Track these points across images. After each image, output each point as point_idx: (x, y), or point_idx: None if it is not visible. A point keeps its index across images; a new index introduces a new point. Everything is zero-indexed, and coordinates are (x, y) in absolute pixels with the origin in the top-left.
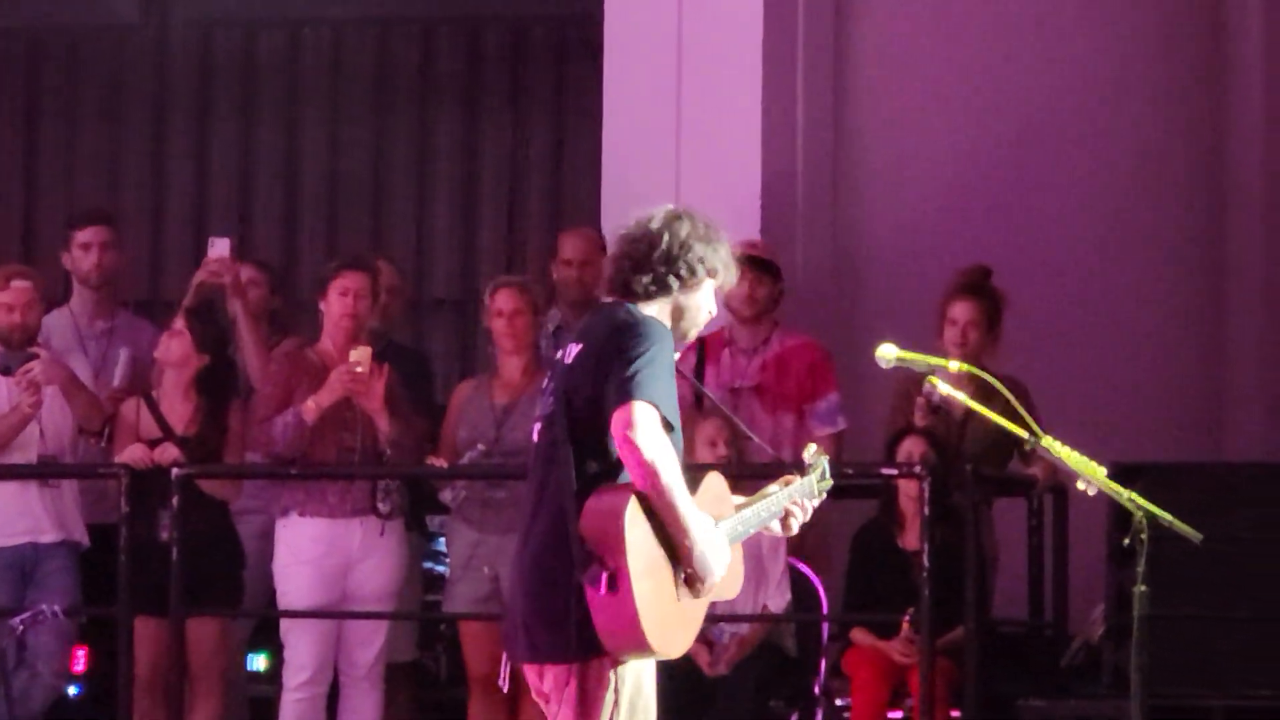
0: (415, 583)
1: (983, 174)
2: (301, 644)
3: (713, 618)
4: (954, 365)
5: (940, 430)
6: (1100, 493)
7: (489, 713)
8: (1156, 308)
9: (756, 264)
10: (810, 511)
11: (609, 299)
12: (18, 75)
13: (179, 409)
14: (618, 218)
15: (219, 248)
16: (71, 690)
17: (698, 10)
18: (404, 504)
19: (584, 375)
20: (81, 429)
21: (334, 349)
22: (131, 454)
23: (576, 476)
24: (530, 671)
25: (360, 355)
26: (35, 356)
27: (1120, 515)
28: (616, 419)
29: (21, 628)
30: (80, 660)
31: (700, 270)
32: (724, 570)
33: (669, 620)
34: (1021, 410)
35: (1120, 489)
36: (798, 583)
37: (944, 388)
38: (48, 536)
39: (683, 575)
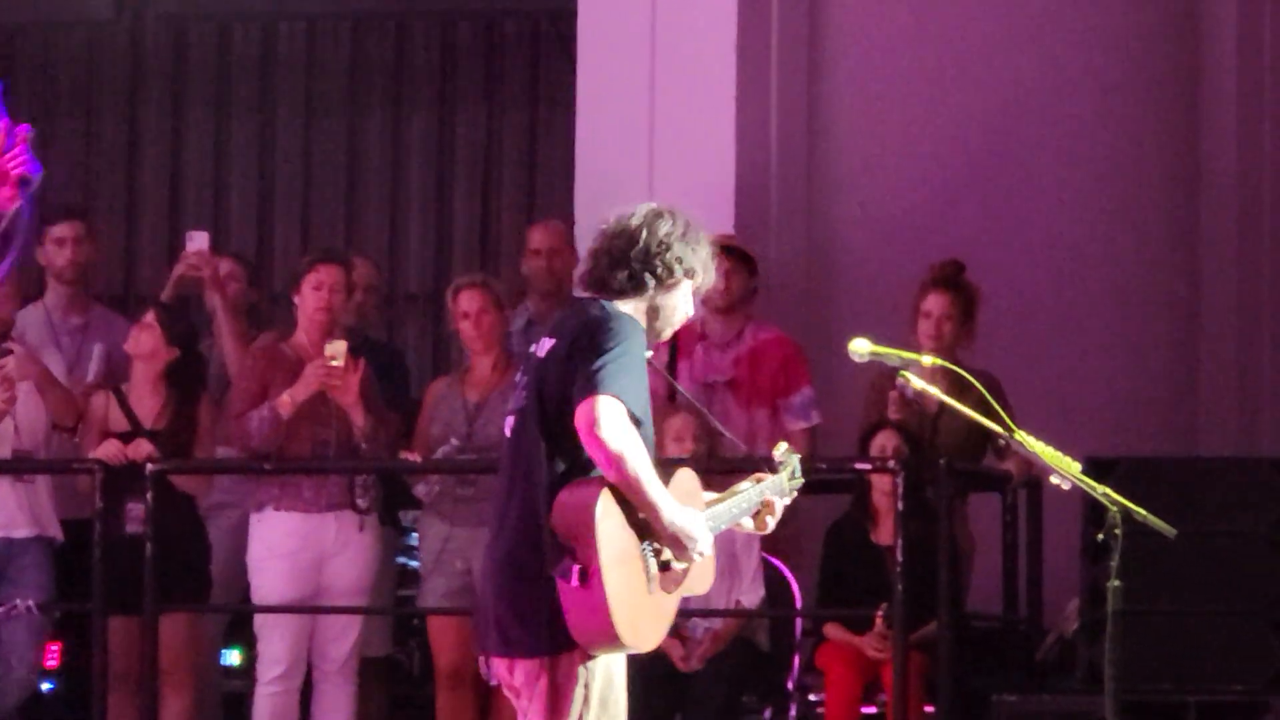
0: (389, 578)
1: (957, 169)
2: (275, 639)
3: (686, 613)
4: (927, 360)
5: (914, 425)
6: (1074, 487)
7: (458, 707)
8: (1130, 302)
9: (732, 254)
10: (781, 509)
11: (584, 294)
12: None
13: (147, 402)
14: (592, 212)
15: (197, 241)
16: (45, 686)
17: (671, 4)
18: (380, 499)
19: (556, 370)
20: (55, 424)
21: (308, 343)
22: (105, 449)
23: (548, 470)
24: (501, 666)
25: (335, 349)
26: (9, 352)
27: (1094, 510)
28: (581, 413)
29: None
30: (54, 656)
31: (678, 270)
32: (706, 545)
33: (640, 614)
34: (995, 405)
35: (1094, 484)
36: (771, 578)
37: (917, 382)
38: (21, 532)
39: (660, 561)
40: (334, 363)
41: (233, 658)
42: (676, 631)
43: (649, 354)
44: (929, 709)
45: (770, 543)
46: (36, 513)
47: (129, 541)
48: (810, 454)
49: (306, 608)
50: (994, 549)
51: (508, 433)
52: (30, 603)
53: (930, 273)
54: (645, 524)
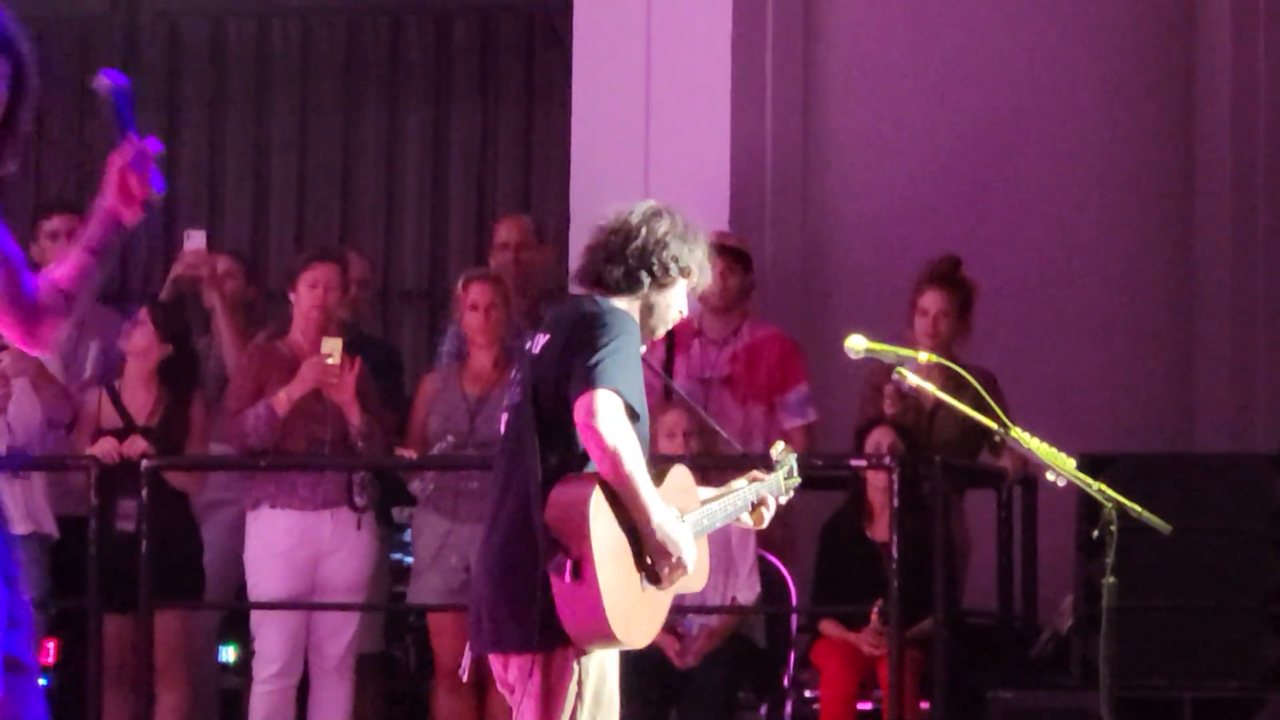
0: (383, 574)
1: (953, 166)
2: (272, 636)
3: (681, 609)
4: (923, 356)
5: (909, 421)
6: (1069, 484)
7: (456, 704)
8: (1126, 298)
9: (729, 253)
10: (775, 507)
11: (579, 290)
12: None
13: (140, 399)
14: (587, 209)
15: (195, 240)
16: (40, 683)
17: (667, 1)
18: (376, 497)
19: (550, 366)
20: (50, 421)
21: (304, 340)
22: (100, 446)
23: (542, 466)
24: (495, 662)
25: (331, 346)
26: (4, 348)
27: (1089, 506)
28: (579, 406)
29: None
30: (49, 653)
31: (674, 269)
32: (689, 557)
33: (634, 610)
34: (991, 401)
35: (1089, 480)
36: (767, 575)
37: (913, 379)
38: (17, 529)
39: (646, 564)
40: (330, 360)
41: (228, 655)
42: (672, 628)
43: (643, 349)
44: (924, 705)
45: (766, 539)
46: (32, 509)
47: (123, 538)
48: (807, 451)
49: (303, 604)
50: (989, 545)
51: (503, 429)
52: (26, 599)
53: (927, 269)
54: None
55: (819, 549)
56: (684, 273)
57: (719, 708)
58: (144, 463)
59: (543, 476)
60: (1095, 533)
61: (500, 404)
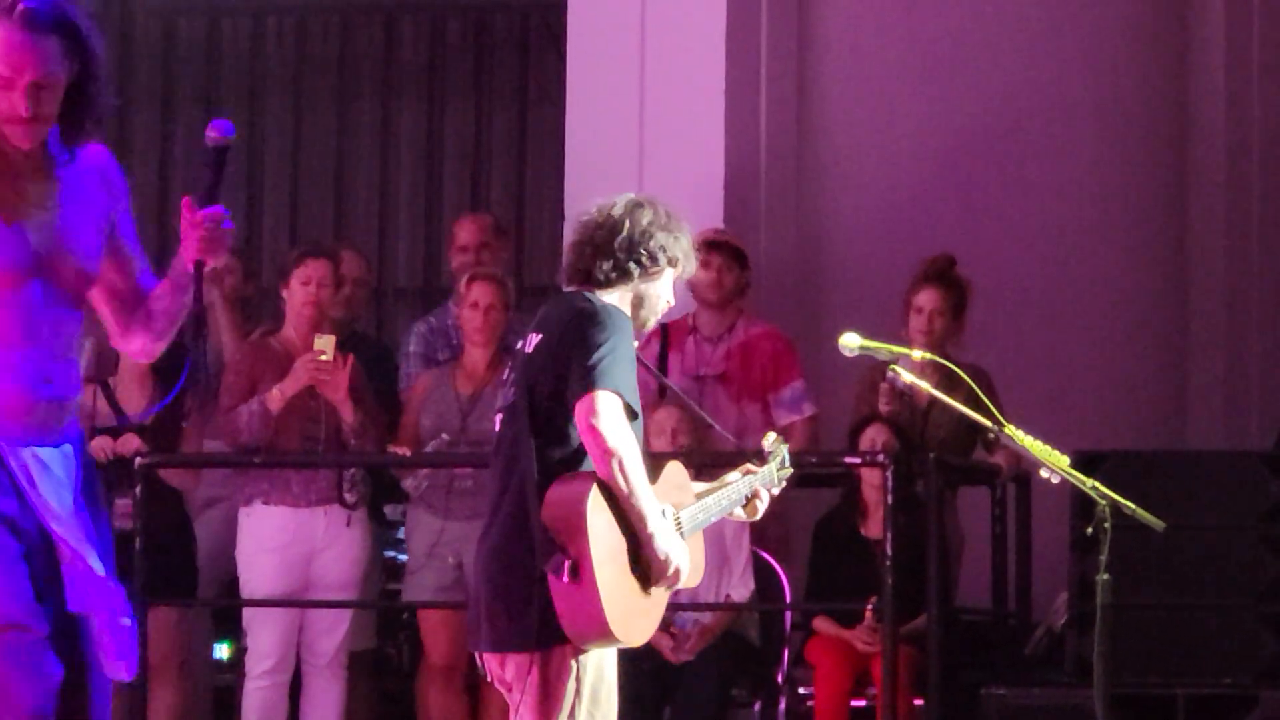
0: (375, 572)
1: (947, 163)
2: (264, 633)
3: (676, 607)
4: (917, 354)
5: (904, 419)
6: (1063, 481)
7: (448, 701)
8: (1119, 297)
9: (724, 249)
10: (768, 499)
11: (569, 288)
12: None
13: (135, 396)
14: (581, 206)
15: None
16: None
17: None
18: (367, 495)
19: (545, 364)
20: None
21: (297, 338)
22: (95, 444)
23: (538, 466)
24: (492, 661)
25: (324, 343)
26: None
27: (1083, 504)
28: (581, 407)
29: None
30: None
31: (661, 258)
32: (685, 564)
33: (631, 608)
34: (985, 399)
35: (1083, 477)
36: (761, 572)
37: (907, 376)
38: None
39: (640, 566)
40: (323, 357)
41: (222, 652)
42: (666, 624)
43: (635, 344)
44: (918, 702)
45: (761, 537)
46: None
47: (117, 536)
48: (809, 445)
49: (296, 601)
50: (983, 543)
51: (497, 429)
52: None
53: (922, 267)
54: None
55: (813, 546)
56: (670, 262)
57: (713, 705)
58: (138, 460)
59: (539, 476)
60: (1089, 530)
61: (492, 402)
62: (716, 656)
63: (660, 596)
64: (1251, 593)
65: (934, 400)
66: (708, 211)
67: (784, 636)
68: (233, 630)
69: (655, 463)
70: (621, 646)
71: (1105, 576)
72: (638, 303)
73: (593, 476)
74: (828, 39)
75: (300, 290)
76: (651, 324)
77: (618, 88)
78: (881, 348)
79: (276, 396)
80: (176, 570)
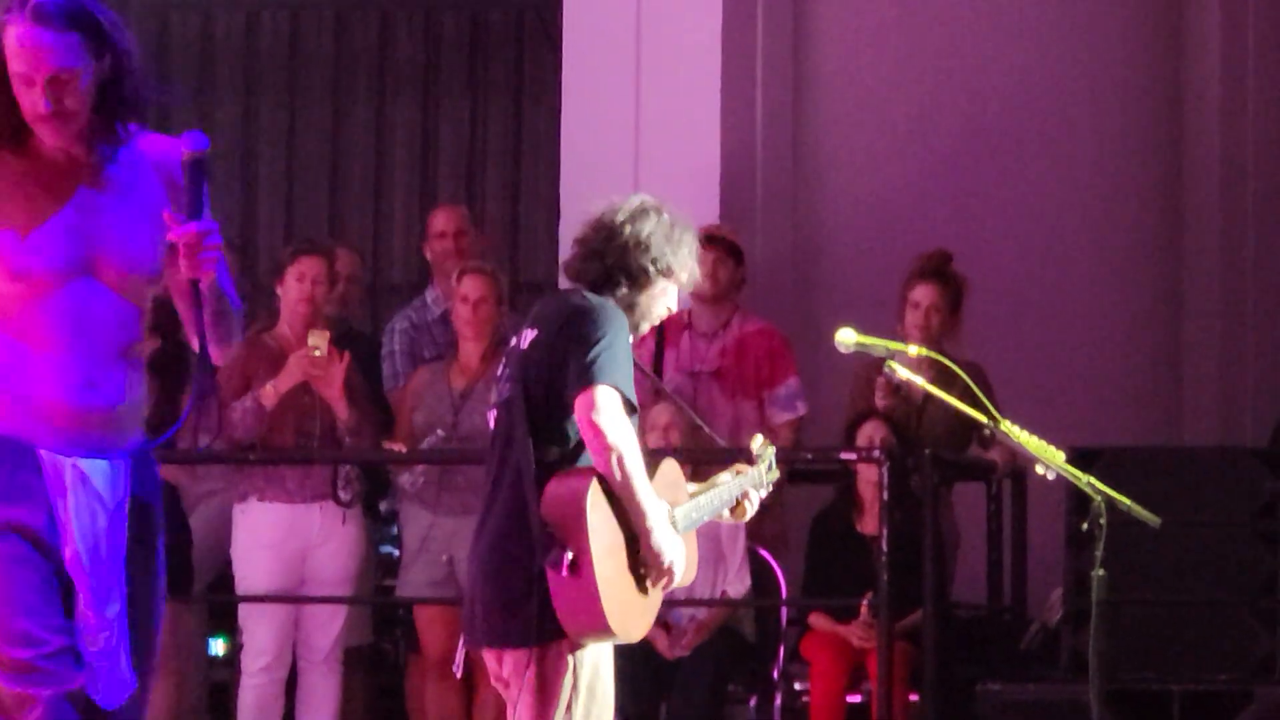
0: (370, 567)
1: (942, 160)
2: (260, 628)
3: (672, 603)
4: (913, 350)
5: (900, 415)
6: (1059, 477)
7: (445, 696)
8: (1115, 293)
9: (720, 244)
10: (758, 501)
11: (567, 284)
12: None
13: None
14: (577, 203)
15: None
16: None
17: None
18: (362, 492)
19: (541, 361)
20: None
21: (291, 334)
22: None
23: (535, 461)
24: (489, 657)
25: (318, 340)
26: None
27: (1079, 499)
28: (580, 403)
29: None
30: None
31: (653, 270)
32: (681, 561)
33: (629, 604)
34: (980, 395)
35: (1079, 473)
36: (757, 568)
37: (903, 372)
38: None
39: (638, 562)
40: (316, 353)
41: (217, 647)
42: (662, 620)
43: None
44: (914, 698)
45: (756, 533)
46: None
47: None
48: (795, 445)
49: (292, 598)
50: (979, 538)
51: (491, 425)
52: None
53: (918, 263)
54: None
55: (809, 542)
56: (665, 274)
57: (709, 700)
58: None
59: (537, 471)
60: (1084, 526)
61: (484, 397)
62: (712, 652)
63: (657, 593)
64: (1246, 589)
65: (930, 396)
66: (703, 208)
67: (780, 632)
68: (228, 626)
69: (650, 460)
70: (619, 642)
71: (1101, 572)
72: (629, 309)
73: (592, 472)
74: (823, 36)
75: (295, 286)
76: (645, 328)
77: (613, 85)
78: (877, 344)
79: (271, 393)
80: (172, 566)
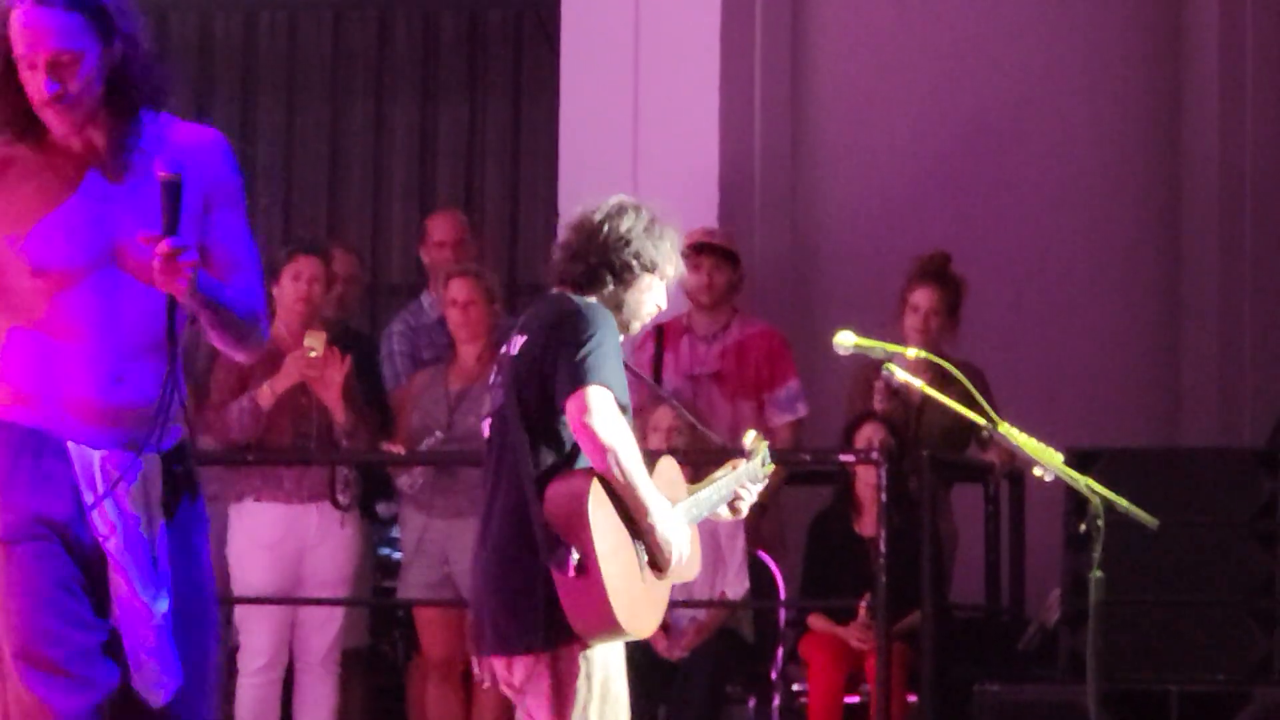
0: (367, 569)
1: (941, 161)
2: (257, 630)
3: (671, 604)
4: (911, 352)
5: (898, 417)
6: (1057, 478)
7: (445, 697)
8: (1113, 294)
9: (716, 250)
10: (755, 495)
11: (554, 289)
12: None
13: None
14: (575, 204)
15: None
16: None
17: None
18: (359, 495)
19: (532, 366)
20: None
21: (288, 334)
22: None
23: (535, 465)
24: (499, 665)
25: (315, 340)
26: None
27: (1077, 501)
28: (572, 405)
29: None
30: None
31: (637, 265)
32: (687, 549)
33: (637, 600)
34: (979, 396)
35: (1076, 475)
36: (755, 569)
37: (901, 374)
38: None
39: (646, 556)
40: (313, 354)
41: None
42: (661, 622)
43: (621, 339)
44: (912, 699)
45: (755, 534)
46: None
47: None
48: (795, 446)
49: (289, 599)
50: (977, 540)
51: (486, 434)
52: None
53: (918, 265)
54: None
55: (807, 544)
56: (648, 268)
57: (707, 701)
58: None
59: (537, 475)
60: (1082, 527)
61: (480, 398)
62: (711, 653)
63: (664, 587)
64: (1244, 589)
65: (928, 398)
66: (702, 209)
67: (778, 633)
68: (225, 626)
69: (648, 459)
70: (629, 639)
71: (1098, 573)
72: (617, 307)
73: (591, 472)
74: (822, 36)
75: (291, 287)
76: (636, 327)
77: (612, 85)
78: (876, 346)
79: (267, 393)
80: None
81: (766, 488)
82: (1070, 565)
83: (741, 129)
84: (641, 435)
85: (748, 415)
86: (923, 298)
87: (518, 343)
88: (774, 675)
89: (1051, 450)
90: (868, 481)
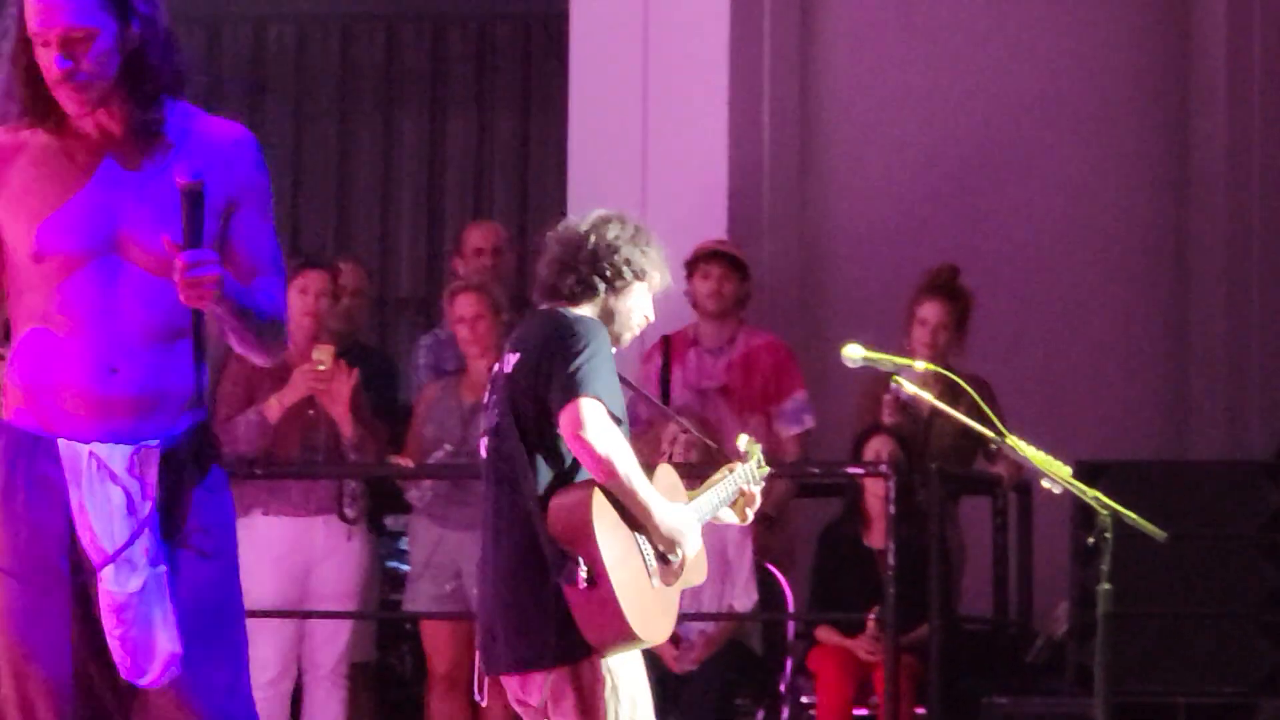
0: (375, 582)
1: (949, 173)
2: (264, 643)
3: (679, 616)
4: (919, 365)
5: (907, 429)
6: (1065, 491)
7: (451, 711)
8: (1121, 307)
9: (725, 260)
10: (758, 498)
11: (542, 305)
12: None
13: None
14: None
15: None
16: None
17: (664, 7)
18: (367, 509)
19: (526, 383)
20: None
21: (294, 348)
22: None
23: (536, 481)
24: (511, 682)
25: (322, 354)
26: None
27: (1084, 513)
28: (565, 419)
29: None
30: None
31: (627, 273)
32: (697, 541)
33: (649, 607)
34: (987, 409)
35: (1084, 487)
36: (764, 581)
37: (909, 387)
38: None
39: (655, 556)
40: (320, 367)
41: None
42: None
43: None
44: (920, 711)
45: (763, 546)
46: None
47: None
48: (804, 459)
49: (298, 612)
50: (985, 552)
51: (484, 453)
52: None
53: (926, 279)
54: (638, 520)
55: (816, 556)
56: (638, 275)
57: (715, 714)
58: None
59: (539, 491)
60: (1090, 539)
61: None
62: (720, 666)
63: (674, 593)
64: (1251, 601)
65: (936, 411)
66: (711, 221)
67: (786, 646)
68: None
69: (645, 468)
70: (644, 646)
71: (1106, 586)
72: (608, 318)
73: (591, 484)
74: (830, 49)
75: (298, 300)
76: (627, 339)
77: (620, 97)
78: (884, 359)
79: (275, 406)
80: None
81: (774, 500)
82: (1078, 577)
83: (750, 142)
84: (652, 449)
85: (755, 428)
86: (931, 311)
87: (511, 360)
88: (782, 688)
89: (1059, 463)
90: (876, 494)
